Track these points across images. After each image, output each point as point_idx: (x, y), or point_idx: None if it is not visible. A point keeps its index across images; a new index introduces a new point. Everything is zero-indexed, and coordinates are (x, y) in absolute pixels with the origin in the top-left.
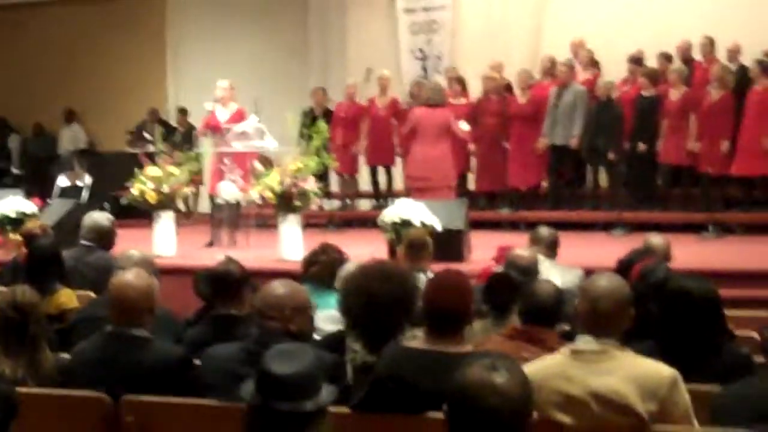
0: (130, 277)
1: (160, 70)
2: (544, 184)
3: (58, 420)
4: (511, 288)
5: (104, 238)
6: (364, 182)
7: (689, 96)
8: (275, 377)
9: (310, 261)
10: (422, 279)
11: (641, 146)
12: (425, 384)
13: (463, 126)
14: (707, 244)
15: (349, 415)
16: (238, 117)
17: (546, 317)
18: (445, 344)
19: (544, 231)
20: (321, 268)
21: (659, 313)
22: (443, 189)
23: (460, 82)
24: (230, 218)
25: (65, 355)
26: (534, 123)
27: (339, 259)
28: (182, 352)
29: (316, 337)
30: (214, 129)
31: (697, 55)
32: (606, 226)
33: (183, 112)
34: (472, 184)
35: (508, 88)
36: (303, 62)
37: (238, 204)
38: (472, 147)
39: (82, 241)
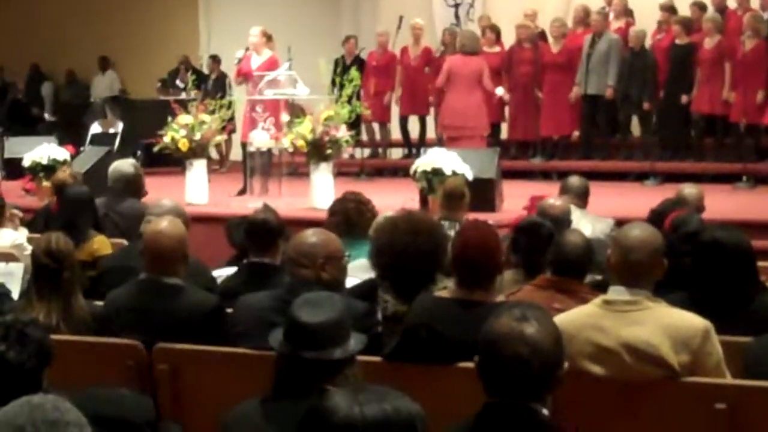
0: (163, 225)
1: (192, 17)
2: (576, 133)
3: (92, 367)
4: (539, 236)
5: (131, 185)
6: (396, 131)
7: (723, 45)
8: (303, 325)
9: (331, 211)
10: (457, 229)
11: (684, 98)
12: (456, 333)
13: (498, 91)
14: (740, 195)
15: (380, 364)
16: (271, 65)
17: (576, 269)
18: (475, 294)
19: (574, 180)
20: (339, 218)
21: (692, 263)
22: (476, 138)
23: (494, 31)
24: (262, 166)
25: (98, 303)
26: (567, 72)
27: (354, 209)
28: (216, 301)
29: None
30: (246, 76)
31: (731, 4)
32: (639, 176)
33: (215, 59)
34: (505, 134)
35: (542, 36)
36: (335, 10)
37: (270, 152)
38: (506, 96)
39: (112, 189)
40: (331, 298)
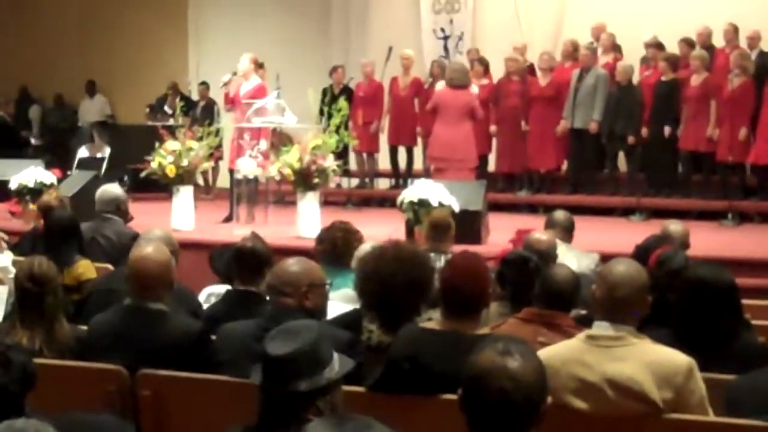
0: (148, 250)
1: (181, 43)
2: (563, 167)
3: (74, 391)
4: (526, 269)
5: (120, 208)
6: (383, 161)
7: (710, 82)
8: (270, 359)
9: (318, 239)
10: (443, 261)
11: (666, 130)
12: (440, 365)
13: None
14: (726, 232)
15: (363, 395)
16: (258, 92)
17: (562, 302)
18: (461, 326)
19: (560, 215)
20: (325, 247)
21: (676, 300)
22: (464, 170)
23: (482, 63)
24: (249, 194)
25: (83, 327)
26: (554, 105)
27: (342, 238)
28: (200, 327)
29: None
30: (234, 103)
31: (718, 42)
32: (625, 212)
33: (204, 85)
34: (492, 166)
35: (531, 70)
36: (324, 39)
37: (256, 180)
38: (493, 128)
39: (100, 213)
40: (308, 327)
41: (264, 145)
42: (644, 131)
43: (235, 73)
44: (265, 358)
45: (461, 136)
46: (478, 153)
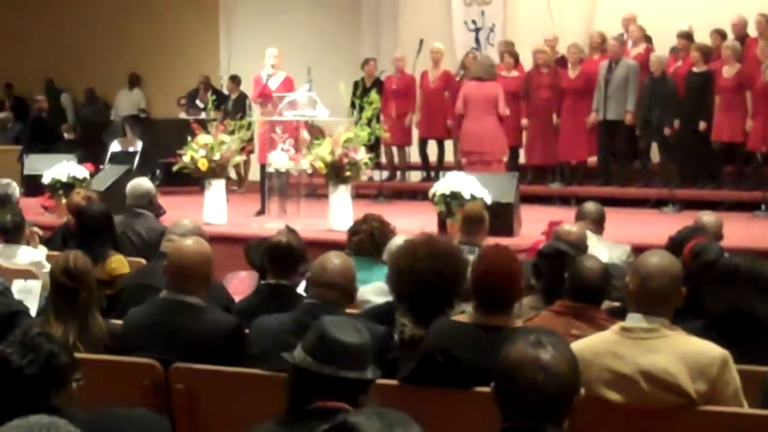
0: (189, 243)
1: (212, 37)
2: (594, 159)
3: (108, 385)
4: (561, 263)
5: (152, 202)
6: (414, 154)
7: (743, 73)
8: (341, 344)
9: (352, 231)
10: (476, 253)
11: (702, 125)
12: (473, 358)
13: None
14: (759, 223)
15: (397, 388)
16: (288, 85)
17: (592, 295)
18: (494, 319)
19: (590, 206)
20: (361, 238)
21: (710, 292)
22: (494, 162)
23: (513, 55)
24: (281, 187)
25: (117, 321)
26: (584, 97)
27: (379, 228)
28: (236, 322)
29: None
30: (266, 97)
31: (752, 32)
32: (657, 203)
33: (235, 79)
34: (523, 158)
35: (562, 61)
36: (355, 32)
37: (288, 173)
38: (524, 122)
39: (130, 208)
40: (356, 324)
41: (306, 135)
42: (676, 123)
43: (273, 67)
44: (327, 343)
45: (489, 128)
46: (509, 145)
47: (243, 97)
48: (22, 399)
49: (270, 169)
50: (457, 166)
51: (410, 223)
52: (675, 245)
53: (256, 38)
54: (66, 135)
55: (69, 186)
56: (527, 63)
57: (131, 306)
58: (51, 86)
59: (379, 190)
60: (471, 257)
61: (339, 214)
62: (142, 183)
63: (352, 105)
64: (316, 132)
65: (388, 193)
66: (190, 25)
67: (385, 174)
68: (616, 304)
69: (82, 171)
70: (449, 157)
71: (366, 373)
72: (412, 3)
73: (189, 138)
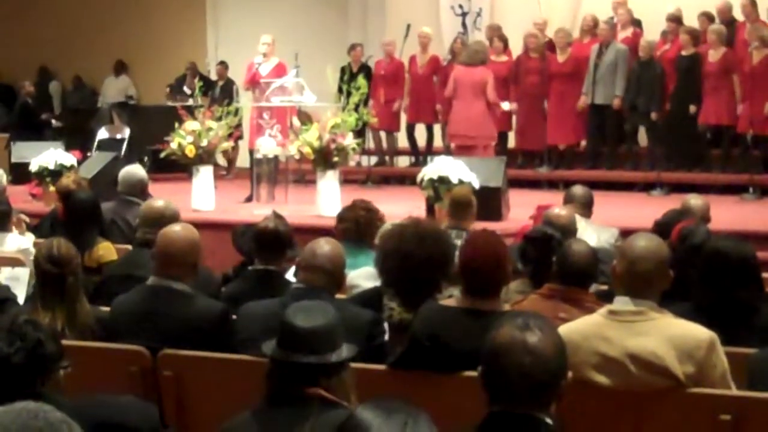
0: (177, 228)
1: (200, 23)
2: (583, 143)
3: (96, 373)
4: (549, 246)
5: (144, 191)
6: (402, 139)
7: (729, 57)
8: (297, 330)
9: (340, 217)
10: (464, 238)
11: (692, 109)
12: (461, 343)
13: (505, 105)
14: (747, 206)
15: (385, 373)
16: (280, 71)
17: (580, 278)
18: (481, 304)
19: (578, 190)
20: (348, 225)
21: (697, 274)
22: (483, 147)
23: (502, 39)
24: (269, 173)
25: (104, 308)
26: (573, 82)
27: (365, 216)
28: (223, 308)
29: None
30: (254, 83)
31: (739, 16)
32: (645, 187)
33: (223, 65)
34: (512, 143)
35: (550, 46)
36: (342, 17)
37: (276, 159)
38: (513, 106)
39: (121, 195)
40: (324, 306)
41: (296, 122)
42: (663, 107)
43: (264, 55)
44: (292, 331)
45: (478, 112)
46: (498, 130)
47: (230, 83)
48: (9, 387)
49: (258, 155)
50: (446, 150)
51: (398, 208)
52: (662, 228)
53: (244, 24)
54: (54, 123)
55: (56, 173)
56: (514, 48)
57: (117, 294)
58: (45, 73)
59: (368, 176)
60: (459, 242)
61: (327, 199)
62: (136, 171)
63: (340, 90)
64: (304, 117)
65: (377, 179)
66: (177, 12)
67: (374, 159)
68: (604, 287)
69: (69, 158)
70: (438, 142)
71: (328, 357)
72: None
73: (176, 124)
